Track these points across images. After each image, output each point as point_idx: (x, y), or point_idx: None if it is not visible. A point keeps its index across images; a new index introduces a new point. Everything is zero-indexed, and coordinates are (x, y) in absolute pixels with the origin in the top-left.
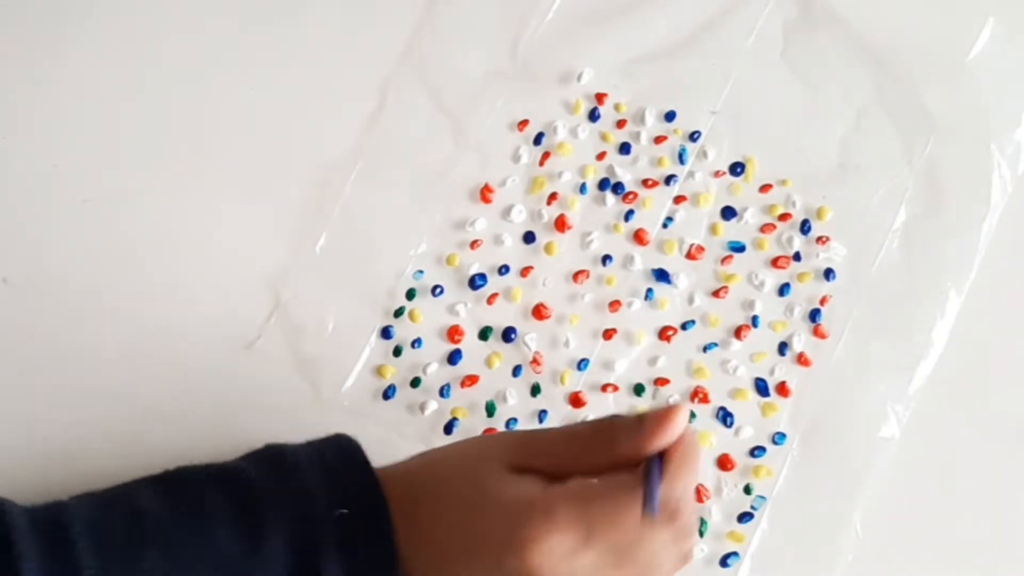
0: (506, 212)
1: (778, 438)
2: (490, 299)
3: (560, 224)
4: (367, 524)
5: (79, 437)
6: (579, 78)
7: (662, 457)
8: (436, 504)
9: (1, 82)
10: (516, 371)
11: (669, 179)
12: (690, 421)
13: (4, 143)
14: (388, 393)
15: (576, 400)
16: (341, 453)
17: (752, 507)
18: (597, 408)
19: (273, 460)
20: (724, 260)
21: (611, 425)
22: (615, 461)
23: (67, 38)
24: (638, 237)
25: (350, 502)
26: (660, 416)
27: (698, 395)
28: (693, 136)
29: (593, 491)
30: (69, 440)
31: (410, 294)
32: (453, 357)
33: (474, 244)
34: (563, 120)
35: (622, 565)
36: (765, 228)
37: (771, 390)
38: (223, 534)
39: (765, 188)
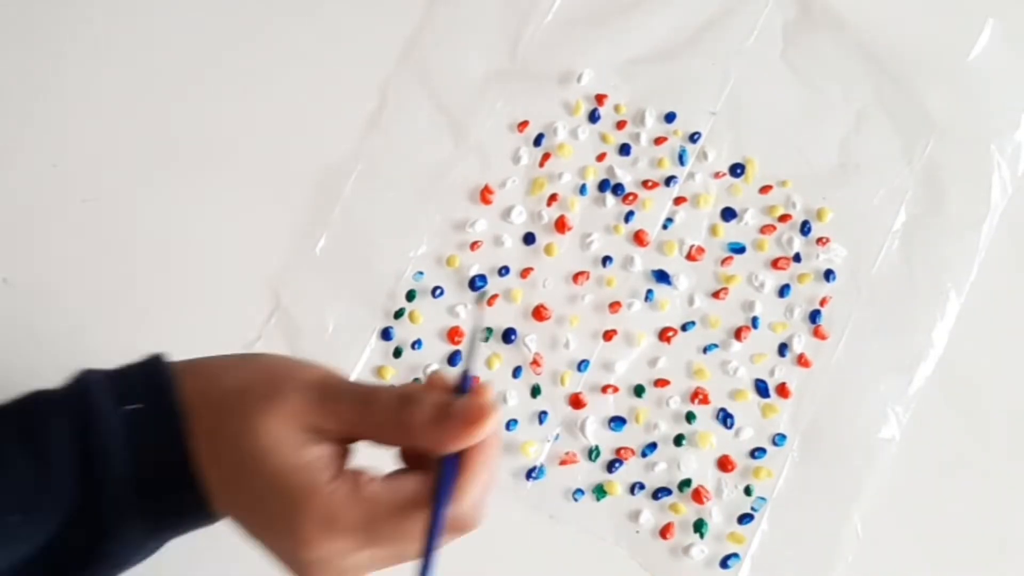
0: (506, 213)
1: (778, 439)
2: (490, 300)
3: (560, 225)
4: (154, 415)
5: None
6: (579, 79)
7: (455, 457)
8: (230, 429)
9: (1, 82)
10: (516, 372)
11: (669, 180)
12: (690, 422)
13: (4, 143)
14: None
15: (576, 401)
16: (143, 367)
17: (752, 508)
18: (597, 409)
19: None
20: (724, 261)
21: (411, 411)
22: (405, 444)
23: (67, 39)
24: (638, 238)
25: (139, 396)
26: (467, 416)
27: (698, 396)
28: (693, 137)
29: (378, 508)
30: None
31: (410, 295)
32: (453, 358)
33: (474, 245)
34: (563, 121)
35: (398, 558)
36: (765, 229)
37: (771, 391)
38: (7, 452)
39: (765, 189)
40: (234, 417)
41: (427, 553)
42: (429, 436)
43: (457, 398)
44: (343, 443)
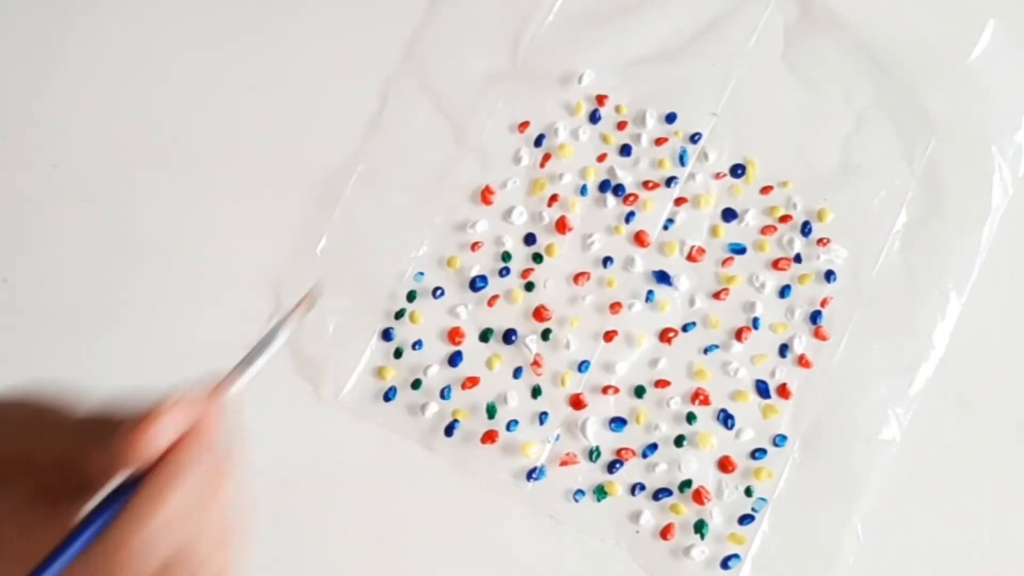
0: (507, 214)
1: (779, 440)
2: (491, 301)
3: (561, 226)
4: None
5: None
6: (580, 80)
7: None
8: None
9: (1, 82)
10: (517, 373)
11: (670, 181)
12: (691, 423)
13: (4, 143)
14: (389, 395)
15: (577, 402)
16: None
17: (753, 509)
18: (598, 410)
19: None
20: (725, 262)
21: (88, 440)
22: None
23: (67, 39)
24: (639, 239)
25: None
26: (132, 430)
27: (699, 397)
28: (694, 138)
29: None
30: None
31: (411, 296)
32: (454, 359)
33: (475, 246)
34: (564, 122)
35: None
36: (766, 230)
37: (772, 392)
38: None
39: (766, 190)
40: None
41: None
42: (101, 460)
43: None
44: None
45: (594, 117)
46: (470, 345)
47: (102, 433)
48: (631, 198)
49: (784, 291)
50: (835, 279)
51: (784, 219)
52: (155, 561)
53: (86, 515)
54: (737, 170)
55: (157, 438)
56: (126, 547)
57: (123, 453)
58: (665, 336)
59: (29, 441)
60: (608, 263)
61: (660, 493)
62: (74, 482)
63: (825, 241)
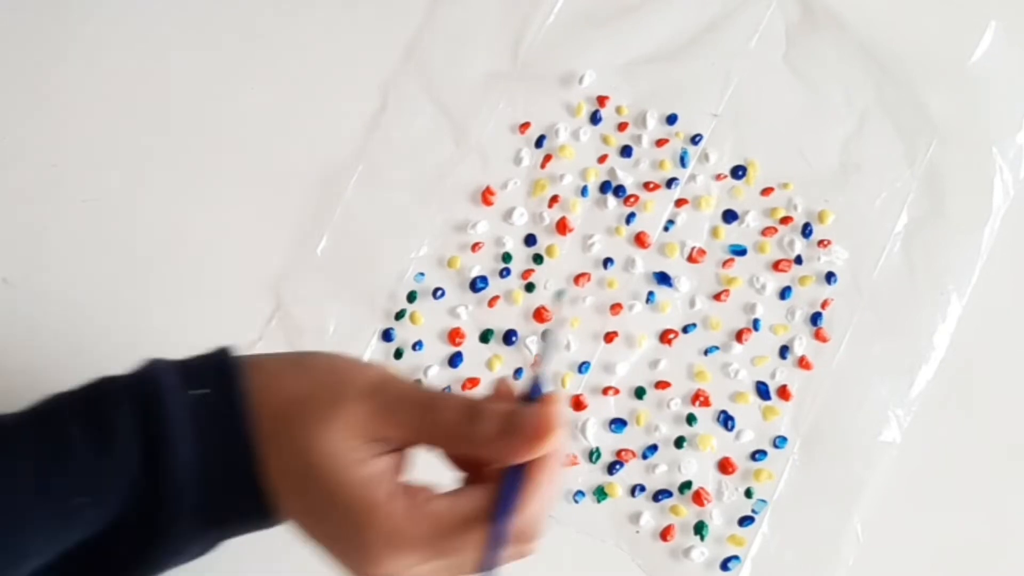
0: (507, 215)
1: (779, 442)
2: (491, 302)
3: (561, 227)
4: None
5: None
6: (581, 80)
7: (519, 470)
8: (292, 438)
9: (1, 82)
10: (517, 374)
11: (670, 182)
12: (691, 425)
13: (4, 143)
14: None
15: (577, 403)
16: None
17: (753, 511)
18: (598, 411)
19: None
20: (725, 263)
21: (476, 422)
22: (468, 455)
23: (67, 38)
24: (639, 240)
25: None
26: (533, 429)
27: (699, 398)
28: (695, 139)
29: (441, 523)
30: None
31: (411, 296)
32: (454, 360)
33: (475, 247)
34: (564, 123)
35: (460, 569)
36: (766, 231)
37: (772, 394)
38: (75, 434)
39: (766, 191)
40: (295, 426)
41: (488, 567)
42: (494, 448)
43: (524, 407)
44: (403, 449)
45: (595, 118)
46: (470, 346)
47: (478, 425)
48: (632, 199)
49: (785, 292)
50: (836, 281)
51: (785, 220)
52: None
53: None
54: (738, 171)
55: (555, 442)
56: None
57: (529, 448)
58: (665, 337)
59: (424, 423)
60: (608, 264)
61: (660, 494)
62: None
63: (826, 242)
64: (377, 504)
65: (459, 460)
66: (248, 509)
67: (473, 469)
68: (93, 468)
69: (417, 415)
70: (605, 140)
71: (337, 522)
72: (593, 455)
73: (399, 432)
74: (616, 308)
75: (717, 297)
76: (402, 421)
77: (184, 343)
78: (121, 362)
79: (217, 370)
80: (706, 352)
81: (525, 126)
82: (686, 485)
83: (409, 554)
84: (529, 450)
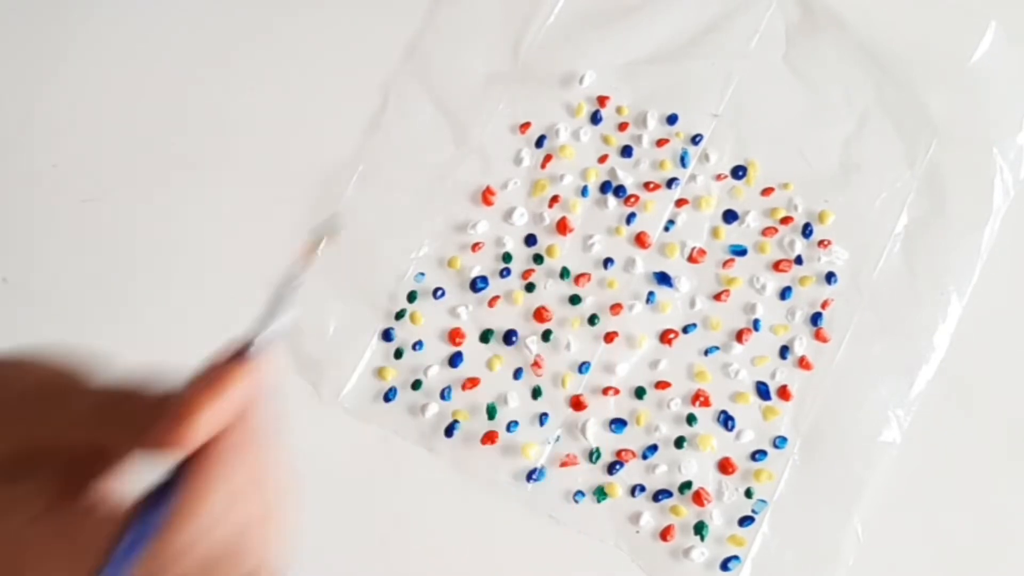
0: (508, 215)
1: (779, 442)
2: (491, 302)
3: (562, 227)
4: None
5: None
6: (581, 81)
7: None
8: None
9: (1, 82)
10: (517, 374)
11: (671, 182)
12: (691, 425)
13: (4, 143)
14: (389, 395)
15: (577, 403)
16: None
17: (753, 511)
18: (598, 411)
19: None
20: (726, 263)
21: (130, 409)
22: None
23: (67, 39)
24: (640, 240)
25: None
26: (176, 413)
27: (699, 398)
28: (695, 139)
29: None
30: None
31: (411, 296)
32: (454, 359)
33: (475, 247)
34: (565, 123)
35: None
36: (767, 232)
37: (772, 394)
38: None
39: (767, 191)
40: None
41: None
42: (148, 436)
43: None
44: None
45: (595, 118)
46: (470, 346)
47: (128, 413)
48: (632, 199)
49: (785, 293)
50: (836, 281)
51: (785, 220)
52: (201, 554)
53: (129, 511)
54: (738, 171)
55: (204, 424)
56: (171, 546)
57: (168, 440)
58: (665, 337)
59: (47, 418)
60: (609, 264)
61: (660, 494)
62: (99, 469)
63: (826, 243)
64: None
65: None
66: None
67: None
68: None
69: (78, 422)
70: (605, 140)
71: None
72: (593, 455)
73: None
74: (616, 308)
75: (717, 297)
76: (56, 433)
77: (183, 342)
78: (120, 361)
79: None
80: (706, 352)
81: (525, 126)
82: (686, 485)
83: None
84: (186, 432)
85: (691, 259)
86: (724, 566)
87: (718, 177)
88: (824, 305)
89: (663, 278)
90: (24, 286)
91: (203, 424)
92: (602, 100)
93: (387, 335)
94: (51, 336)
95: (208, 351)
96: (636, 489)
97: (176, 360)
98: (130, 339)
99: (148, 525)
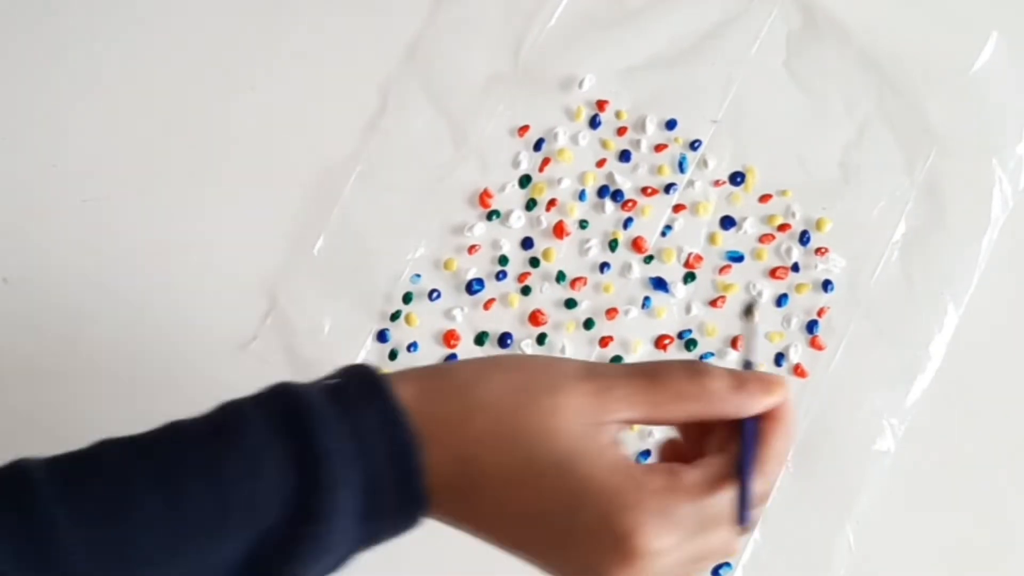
0: (505, 218)
1: None
2: (487, 304)
3: (559, 230)
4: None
5: (77, 436)
6: (580, 85)
7: (755, 422)
8: (503, 436)
9: (1, 82)
10: None
11: (669, 187)
12: None
13: (4, 143)
14: None
15: None
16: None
17: None
18: None
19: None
20: (722, 270)
21: (704, 378)
22: (699, 420)
23: (67, 38)
24: (636, 245)
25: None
26: (764, 379)
27: None
28: (694, 145)
29: (701, 492)
30: (67, 439)
31: (407, 298)
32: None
33: (472, 249)
34: (564, 126)
35: (697, 561)
36: (764, 238)
37: None
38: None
39: (765, 198)
40: (507, 422)
41: (745, 522)
42: (729, 402)
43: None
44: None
45: (594, 122)
46: (465, 348)
47: (711, 375)
48: (629, 204)
49: (781, 300)
50: (832, 289)
51: (782, 228)
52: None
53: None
54: (736, 178)
55: (785, 393)
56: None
57: (765, 394)
58: (661, 343)
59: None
60: (605, 268)
61: None
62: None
63: (823, 250)
64: (640, 485)
65: (684, 437)
66: (402, 526)
67: (693, 448)
68: (243, 485)
69: (640, 386)
70: (604, 144)
71: (579, 515)
72: None
73: (627, 409)
74: (612, 312)
75: (713, 303)
76: (626, 395)
77: (182, 342)
78: (120, 361)
79: (368, 390)
80: (701, 358)
81: (524, 129)
82: None
83: (676, 531)
84: (765, 395)
85: (688, 265)
86: (715, 573)
87: (716, 183)
88: (820, 313)
89: (659, 283)
90: (24, 286)
91: (784, 391)
92: (601, 104)
93: (382, 336)
94: (51, 336)
95: (209, 350)
96: None
97: (177, 360)
98: (129, 338)
99: (750, 456)
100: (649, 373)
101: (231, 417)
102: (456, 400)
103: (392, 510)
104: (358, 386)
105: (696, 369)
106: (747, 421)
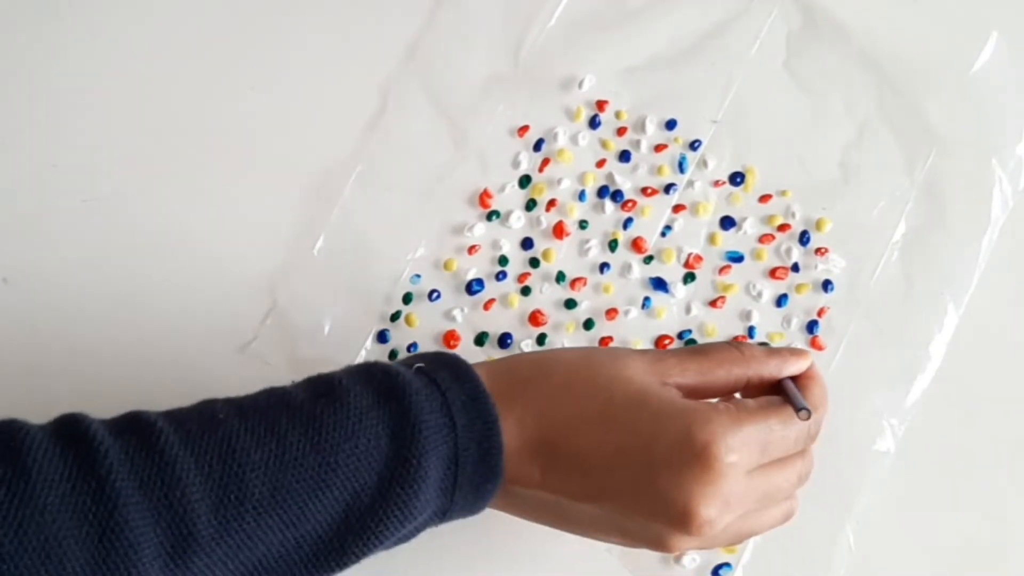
0: (504, 218)
1: None
2: (487, 305)
3: (558, 231)
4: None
5: None
6: (580, 85)
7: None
8: (576, 387)
9: (1, 82)
10: None
11: (668, 188)
12: None
13: (4, 143)
14: None
15: None
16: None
17: None
18: None
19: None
20: (722, 270)
21: (746, 348)
22: (743, 383)
23: (67, 38)
24: (636, 245)
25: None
26: (792, 348)
27: None
28: (693, 145)
29: (765, 411)
30: None
31: (407, 298)
32: None
33: (472, 249)
34: (563, 127)
35: (763, 501)
36: (764, 238)
37: None
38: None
39: (765, 198)
40: (582, 375)
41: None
42: (767, 362)
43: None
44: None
45: (594, 122)
46: (465, 348)
47: (750, 345)
48: (629, 204)
49: (781, 300)
50: (832, 289)
51: (782, 228)
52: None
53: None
54: (736, 178)
55: (808, 359)
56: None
57: (799, 357)
58: (661, 343)
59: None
60: (605, 269)
61: None
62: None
63: (823, 250)
64: (711, 406)
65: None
66: (477, 502)
67: None
68: (353, 433)
69: (689, 356)
70: (604, 144)
71: (659, 441)
72: None
73: (678, 374)
74: (612, 313)
75: (713, 304)
76: (678, 362)
77: (182, 342)
78: (118, 362)
79: (454, 367)
80: None
81: (524, 129)
82: None
83: (745, 448)
84: (797, 359)
85: (688, 265)
86: (715, 573)
87: (716, 183)
88: (820, 313)
89: (659, 284)
90: (24, 286)
91: (807, 359)
92: (601, 104)
93: (382, 336)
94: (51, 336)
95: (208, 350)
96: None
97: (177, 360)
98: (128, 339)
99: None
100: (695, 348)
101: (326, 386)
102: (529, 368)
103: (470, 485)
104: (445, 366)
105: (737, 342)
106: (784, 380)
